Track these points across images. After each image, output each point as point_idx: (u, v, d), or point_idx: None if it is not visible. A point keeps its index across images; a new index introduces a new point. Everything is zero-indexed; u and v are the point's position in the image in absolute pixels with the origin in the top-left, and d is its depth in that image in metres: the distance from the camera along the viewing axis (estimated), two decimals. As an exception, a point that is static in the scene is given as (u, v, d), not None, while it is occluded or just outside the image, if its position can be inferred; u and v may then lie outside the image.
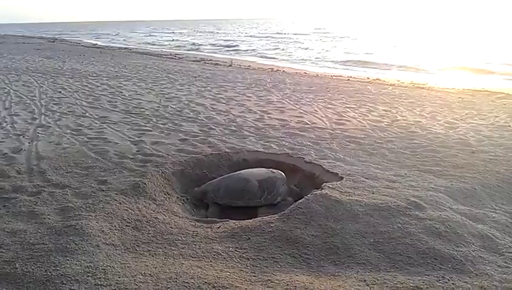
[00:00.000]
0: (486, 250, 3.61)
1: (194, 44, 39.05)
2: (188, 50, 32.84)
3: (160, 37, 53.85)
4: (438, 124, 8.20)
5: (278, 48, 32.85)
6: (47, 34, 65.63)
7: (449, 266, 3.34)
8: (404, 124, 8.09)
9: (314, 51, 29.62)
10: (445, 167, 5.68)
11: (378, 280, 3.18)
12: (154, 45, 39.64)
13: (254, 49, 32.34)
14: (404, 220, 3.97)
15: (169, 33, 63.50)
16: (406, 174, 5.35)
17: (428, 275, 3.22)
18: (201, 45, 38.28)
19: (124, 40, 49.93)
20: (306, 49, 31.96)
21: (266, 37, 48.47)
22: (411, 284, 3.08)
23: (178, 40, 45.51)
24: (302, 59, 24.90)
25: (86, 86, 12.51)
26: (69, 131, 7.35)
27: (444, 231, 3.78)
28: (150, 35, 59.85)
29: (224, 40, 43.18)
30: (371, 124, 8.09)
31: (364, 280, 3.17)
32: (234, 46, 35.79)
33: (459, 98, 11.32)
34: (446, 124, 8.16)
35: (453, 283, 3.10)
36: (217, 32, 61.80)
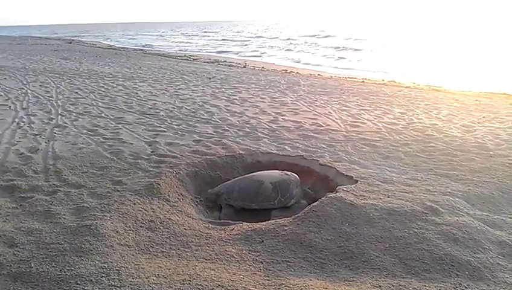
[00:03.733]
0: (504, 257, 3.54)
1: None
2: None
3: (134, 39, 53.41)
4: (454, 127, 8.08)
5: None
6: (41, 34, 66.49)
7: (466, 273, 3.28)
8: (420, 127, 7.98)
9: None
10: (462, 171, 5.59)
11: (393, 286, 3.13)
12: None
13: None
14: (420, 225, 3.92)
15: (156, 35, 63.46)
16: (422, 178, 5.28)
17: (444, 282, 3.17)
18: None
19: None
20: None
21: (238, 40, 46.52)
22: (427, 291, 3.03)
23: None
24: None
25: (102, 86, 12.64)
26: (85, 131, 7.43)
27: (461, 237, 3.72)
28: (133, 38, 59.67)
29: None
30: (386, 127, 8.01)
31: (380, 286, 3.13)
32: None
33: (476, 100, 11.15)
34: (463, 127, 8.04)
35: (470, 291, 3.04)
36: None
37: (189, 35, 60.57)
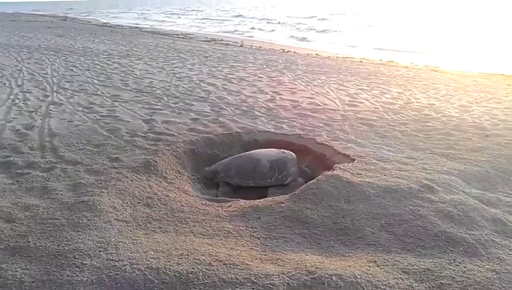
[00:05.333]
0: (498, 234, 3.58)
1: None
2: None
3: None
4: (452, 107, 8.07)
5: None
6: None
7: (461, 249, 3.32)
8: (418, 107, 7.97)
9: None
10: (458, 150, 5.61)
11: (388, 261, 3.17)
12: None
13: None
14: (416, 202, 3.94)
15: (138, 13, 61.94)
16: (418, 156, 5.29)
17: (439, 258, 3.20)
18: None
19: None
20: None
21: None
22: (422, 266, 3.07)
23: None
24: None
25: (98, 64, 12.50)
26: (81, 108, 7.38)
27: (457, 214, 3.75)
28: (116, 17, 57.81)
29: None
30: (384, 106, 7.99)
31: (375, 261, 3.16)
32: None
33: (474, 81, 11.12)
34: (460, 107, 8.03)
35: (464, 266, 3.09)
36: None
37: (170, 13, 59.10)
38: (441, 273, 2.99)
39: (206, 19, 46.82)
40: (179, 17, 50.29)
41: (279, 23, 36.89)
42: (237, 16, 49.22)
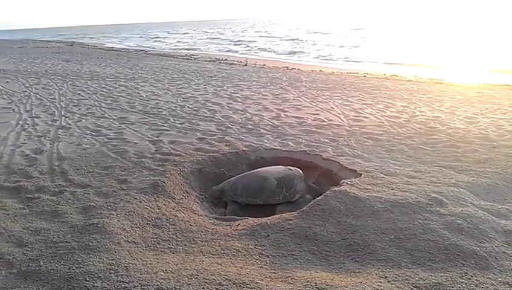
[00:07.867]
0: (510, 246, 3.55)
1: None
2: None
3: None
4: (457, 119, 8.07)
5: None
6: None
7: (472, 262, 3.29)
8: (423, 120, 7.98)
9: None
10: (466, 162, 5.59)
11: (399, 276, 3.15)
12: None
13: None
14: (425, 216, 3.93)
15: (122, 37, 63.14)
16: (426, 170, 5.28)
17: (450, 272, 3.18)
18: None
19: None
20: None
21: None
22: (433, 281, 3.04)
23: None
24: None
25: (104, 87, 12.68)
26: (89, 132, 7.47)
27: (466, 227, 3.72)
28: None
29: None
30: (389, 120, 8.01)
31: (386, 277, 3.15)
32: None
33: (479, 92, 11.13)
34: (466, 119, 8.03)
35: (476, 279, 3.06)
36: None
37: (148, 38, 59.65)
38: (452, 287, 2.96)
39: (179, 42, 47.69)
40: (156, 41, 51.15)
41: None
42: (213, 38, 50.17)
